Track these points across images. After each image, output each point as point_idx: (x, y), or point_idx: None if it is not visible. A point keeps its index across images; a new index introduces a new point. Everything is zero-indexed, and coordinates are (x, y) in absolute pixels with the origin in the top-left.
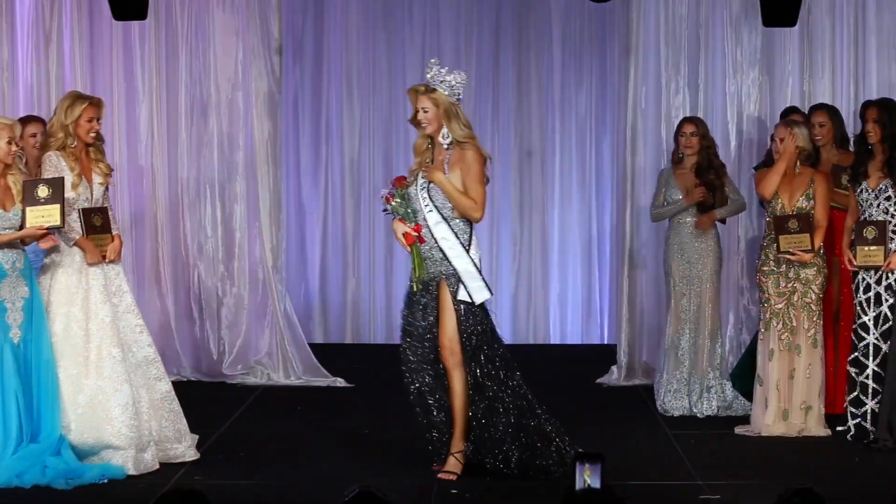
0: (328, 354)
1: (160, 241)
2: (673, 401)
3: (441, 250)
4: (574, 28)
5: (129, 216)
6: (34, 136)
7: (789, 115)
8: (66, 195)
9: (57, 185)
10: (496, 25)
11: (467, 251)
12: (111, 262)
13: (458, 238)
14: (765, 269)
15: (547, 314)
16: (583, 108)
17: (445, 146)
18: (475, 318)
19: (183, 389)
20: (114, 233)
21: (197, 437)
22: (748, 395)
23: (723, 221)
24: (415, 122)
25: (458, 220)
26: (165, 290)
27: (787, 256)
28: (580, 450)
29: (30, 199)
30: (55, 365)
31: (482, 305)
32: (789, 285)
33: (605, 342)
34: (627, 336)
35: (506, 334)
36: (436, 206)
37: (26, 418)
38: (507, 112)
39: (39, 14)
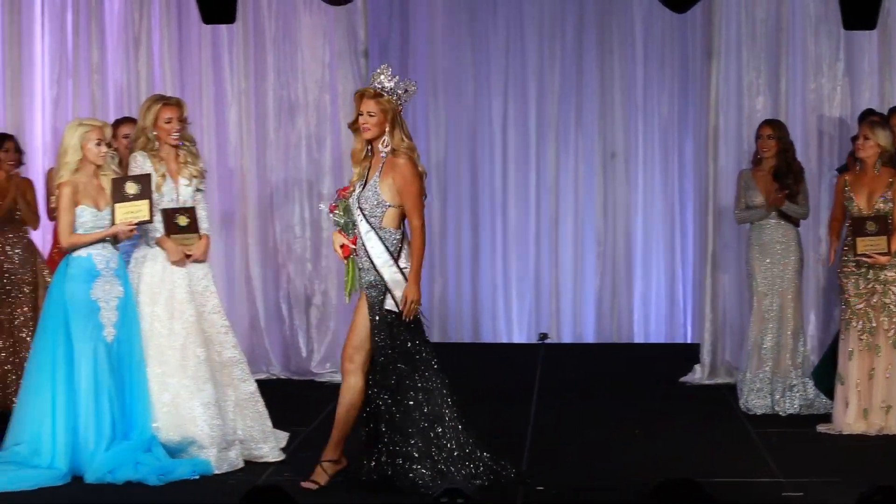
0: None
1: (249, 241)
2: (756, 399)
3: (370, 260)
4: (656, 31)
5: (218, 217)
6: (126, 136)
7: (868, 118)
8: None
9: (145, 181)
10: (579, 28)
11: (395, 261)
12: (196, 261)
13: (385, 247)
14: (845, 269)
15: (631, 314)
16: (665, 110)
17: (383, 154)
18: (395, 331)
19: (272, 387)
20: (202, 233)
21: (288, 434)
22: (830, 394)
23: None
24: (354, 126)
25: (387, 230)
26: (255, 289)
27: (864, 259)
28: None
29: (118, 196)
30: (146, 364)
31: (413, 320)
32: (869, 286)
33: (689, 341)
34: (710, 335)
35: (590, 334)
36: (365, 216)
37: (119, 416)
38: (590, 114)
39: (129, 17)
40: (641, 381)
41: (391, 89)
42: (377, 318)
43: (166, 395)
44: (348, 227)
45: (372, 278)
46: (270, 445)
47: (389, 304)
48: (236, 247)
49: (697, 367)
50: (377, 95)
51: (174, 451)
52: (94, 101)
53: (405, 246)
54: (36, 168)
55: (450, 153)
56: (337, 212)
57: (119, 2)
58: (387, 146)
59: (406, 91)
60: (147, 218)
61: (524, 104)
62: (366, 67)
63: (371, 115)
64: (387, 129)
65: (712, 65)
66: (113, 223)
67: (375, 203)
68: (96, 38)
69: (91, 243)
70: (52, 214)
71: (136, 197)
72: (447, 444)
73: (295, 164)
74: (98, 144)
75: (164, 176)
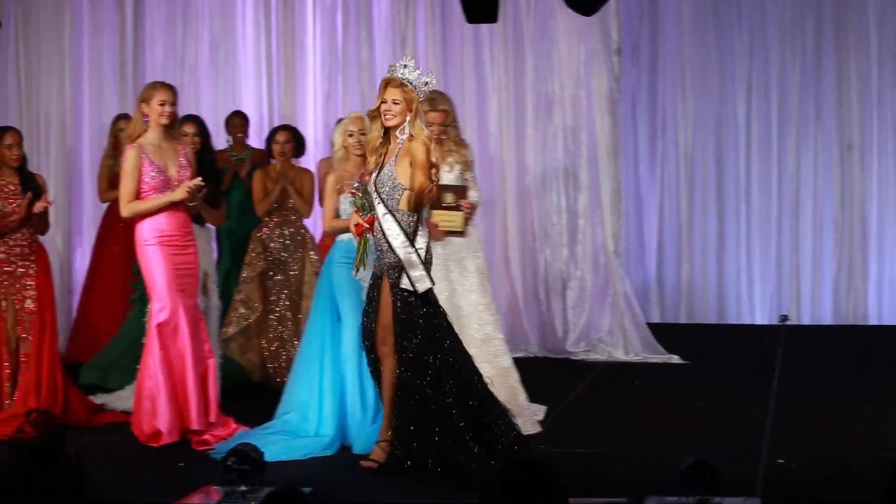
0: (664, 333)
1: (509, 226)
2: None
3: (387, 241)
4: (890, 32)
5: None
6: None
7: None
8: None
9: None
10: (817, 29)
11: (412, 241)
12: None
13: (402, 229)
14: None
15: (866, 297)
16: None
17: (400, 141)
18: (416, 309)
19: (530, 365)
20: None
21: (545, 408)
22: None
23: None
24: (374, 113)
25: (403, 212)
26: (514, 272)
27: None
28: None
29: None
30: None
31: (429, 298)
32: None
33: None
34: None
35: (827, 315)
36: (382, 199)
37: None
38: (828, 109)
39: (395, 17)
40: (877, 361)
41: (413, 81)
42: (397, 298)
43: None
44: (365, 209)
45: (391, 259)
46: (524, 419)
47: (405, 284)
48: (496, 232)
49: None
50: (402, 85)
51: None
52: (363, 97)
53: (420, 227)
54: (308, 159)
55: (696, 145)
56: (357, 195)
57: (386, 2)
58: (403, 133)
59: (426, 84)
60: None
61: (766, 99)
62: (618, 65)
63: (396, 104)
64: (408, 119)
65: None
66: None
67: (392, 186)
68: (365, 37)
69: (344, 227)
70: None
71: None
72: (480, 417)
73: (552, 156)
74: (350, 136)
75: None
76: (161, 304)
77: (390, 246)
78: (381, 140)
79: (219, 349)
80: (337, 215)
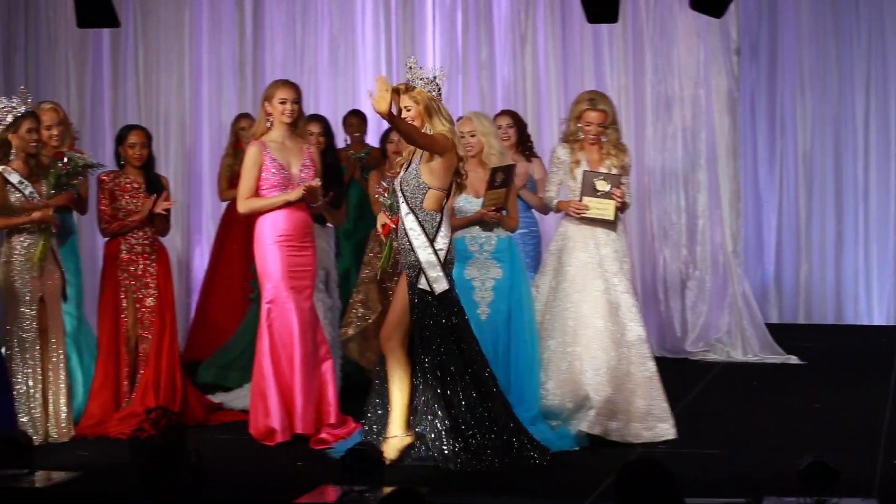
0: (782, 333)
1: (628, 226)
2: None
3: (409, 241)
4: None
5: None
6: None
7: None
8: None
9: (509, 171)
10: None
11: (432, 242)
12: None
13: (423, 229)
14: None
15: None
16: None
17: None
18: (432, 310)
19: None
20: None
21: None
22: None
23: None
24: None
25: (427, 212)
26: (634, 272)
27: None
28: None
29: (490, 183)
30: (536, 345)
31: (446, 299)
32: None
33: None
34: None
35: None
36: (406, 198)
37: None
38: None
39: (515, 16)
40: None
41: (422, 81)
42: (415, 297)
43: (564, 363)
44: (393, 209)
45: (411, 259)
46: (669, 423)
47: (423, 284)
48: None
49: None
50: (409, 89)
51: (567, 418)
52: (482, 96)
53: (443, 227)
54: None
55: (815, 145)
56: (386, 194)
57: (506, 2)
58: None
59: (435, 77)
60: (503, 204)
61: (885, 100)
62: (738, 65)
63: (408, 110)
64: (425, 119)
65: None
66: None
67: (416, 185)
68: (485, 36)
69: (462, 225)
70: None
71: (501, 185)
72: (494, 417)
73: (671, 155)
74: (462, 137)
75: (577, 162)
76: (272, 303)
77: (411, 245)
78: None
79: (338, 350)
80: (453, 214)
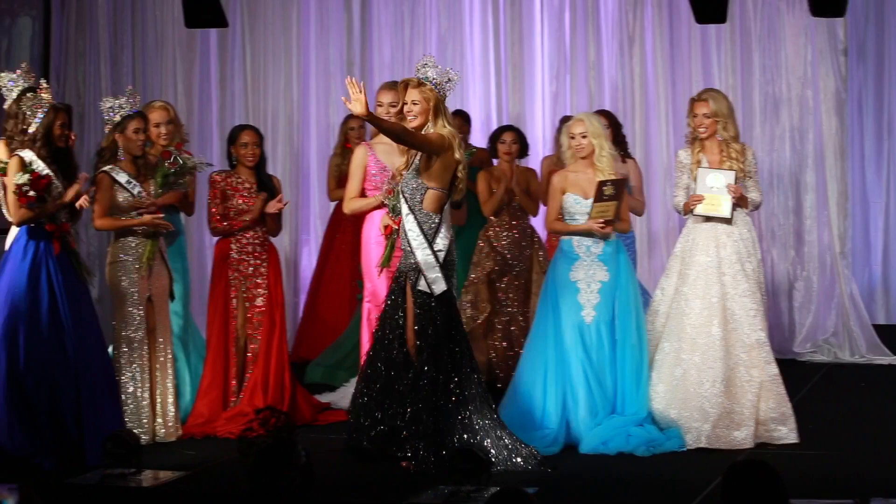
0: (890, 334)
1: None
2: None
3: (408, 242)
4: None
5: None
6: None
7: None
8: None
9: (620, 184)
10: None
11: (430, 243)
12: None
13: (422, 230)
14: None
15: None
16: None
17: None
18: (432, 311)
19: None
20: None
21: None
22: None
23: None
24: (399, 115)
25: (425, 213)
26: None
27: None
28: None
29: (598, 194)
30: (644, 348)
31: (444, 299)
32: None
33: None
34: None
35: None
36: (406, 199)
37: (598, 391)
38: None
39: (623, 16)
40: None
41: (434, 79)
42: (417, 299)
43: (678, 369)
44: (396, 210)
45: (412, 260)
46: (789, 427)
47: (422, 286)
48: None
49: None
50: (420, 85)
51: (670, 423)
52: (590, 97)
53: (442, 228)
54: (535, 159)
55: None
56: (391, 196)
57: (613, 2)
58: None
59: (449, 80)
60: (611, 217)
61: None
62: (845, 66)
63: (415, 104)
64: (430, 118)
65: None
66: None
67: (415, 186)
68: (592, 37)
69: (568, 232)
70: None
71: (610, 198)
72: (472, 425)
73: (779, 156)
74: (573, 139)
75: (698, 163)
76: (372, 303)
77: (410, 246)
78: None
79: None
80: (561, 214)
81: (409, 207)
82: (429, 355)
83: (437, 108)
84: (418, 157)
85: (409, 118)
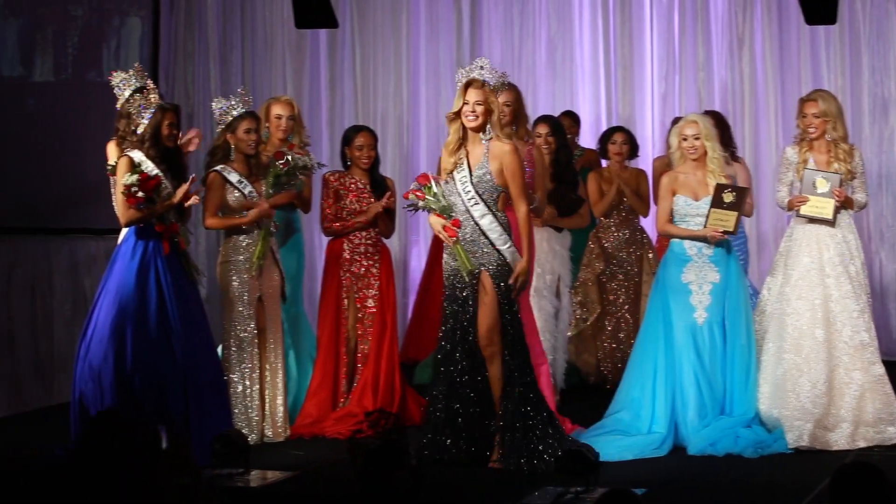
0: None
1: None
2: None
3: (489, 242)
4: None
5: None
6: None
7: None
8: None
9: (741, 192)
10: None
11: (511, 238)
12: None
13: (502, 227)
14: None
15: None
16: None
17: (484, 141)
18: (513, 305)
19: None
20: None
21: None
22: None
23: None
24: (454, 116)
25: (500, 213)
26: None
27: None
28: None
29: (716, 201)
30: (753, 349)
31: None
32: None
33: None
34: None
35: None
36: (482, 199)
37: (708, 393)
38: None
39: (733, 17)
40: None
41: (491, 82)
42: (503, 296)
43: (780, 369)
44: (446, 210)
45: (493, 258)
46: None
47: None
48: None
49: None
50: (483, 86)
51: (774, 423)
52: (699, 98)
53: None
54: (645, 160)
55: None
56: (429, 197)
57: (723, 3)
58: (487, 135)
59: (502, 84)
60: (731, 229)
61: None
62: None
63: (479, 105)
64: (489, 120)
65: None
66: (705, 226)
67: (491, 187)
68: (702, 37)
69: (682, 236)
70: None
71: (730, 206)
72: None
73: (888, 157)
74: (685, 140)
75: (804, 162)
76: None
77: (493, 245)
78: (458, 143)
79: (564, 352)
80: (671, 215)
81: (487, 207)
82: (513, 349)
83: (496, 110)
84: (484, 159)
85: (469, 118)
